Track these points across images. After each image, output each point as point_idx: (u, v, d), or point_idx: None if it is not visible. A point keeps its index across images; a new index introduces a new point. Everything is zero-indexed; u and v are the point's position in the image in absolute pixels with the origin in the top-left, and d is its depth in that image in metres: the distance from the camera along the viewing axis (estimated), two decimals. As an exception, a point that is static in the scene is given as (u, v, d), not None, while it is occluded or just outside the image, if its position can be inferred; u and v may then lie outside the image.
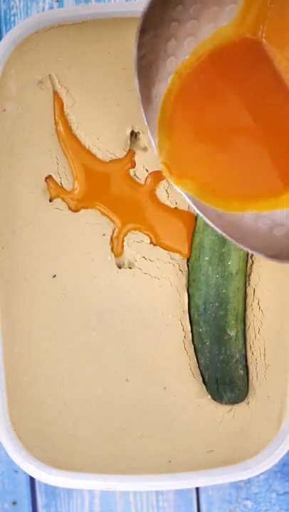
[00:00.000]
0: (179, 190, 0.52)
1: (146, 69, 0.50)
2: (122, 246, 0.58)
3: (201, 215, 0.51)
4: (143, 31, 0.48)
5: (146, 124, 0.51)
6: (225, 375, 0.58)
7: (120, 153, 0.58)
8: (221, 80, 0.53)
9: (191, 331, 0.58)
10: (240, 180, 0.53)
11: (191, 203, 0.51)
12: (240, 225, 0.52)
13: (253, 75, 0.53)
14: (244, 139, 0.53)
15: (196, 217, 0.58)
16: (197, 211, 0.51)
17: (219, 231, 0.50)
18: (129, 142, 0.58)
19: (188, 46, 0.53)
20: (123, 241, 0.58)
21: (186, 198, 0.52)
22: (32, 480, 0.64)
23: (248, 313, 0.58)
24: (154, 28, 0.49)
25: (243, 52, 0.53)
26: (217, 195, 0.52)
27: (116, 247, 0.58)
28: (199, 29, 0.52)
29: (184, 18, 0.51)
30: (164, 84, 0.53)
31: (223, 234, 0.50)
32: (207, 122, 0.53)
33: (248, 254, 0.58)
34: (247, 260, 0.58)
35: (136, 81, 0.50)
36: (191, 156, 0.53)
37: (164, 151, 0.52)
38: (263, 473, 0.64)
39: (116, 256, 0.58)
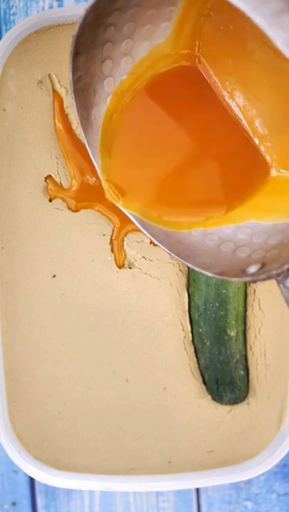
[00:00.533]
0: (124, 210, 0.52)
1: (84, 91, 0.50)
2: (123, 246, 0.58)
3: (148, 235, 0.51)
4: (76, 54, 0.47)
5: (87, 146, 0.51)
6: (225, 376, 0.58)
7: (120, 153, 0.58)
8: (161, 100, 0.52)
9: (191, 331, 0.58)
10: (184, 200, 0.53)
11: (137, 224, 0.52)
12: (188, 242, 0.52)
13: (192, 94, 0.52)
14: (187, 159, 0.52)
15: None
16: (144, 232, 0.51)
17: (167, 251, 0.50)
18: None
19: (126, 66, 0.51)
20: (123, 241, 0.58)
21: (132, 219, 0.52)
22: (32, 480, 0.64)
23: (248, 313, 0.58)
24: (87, 51, 0.48)
25: (182, 71, 0.52)
26: (163, 214, 0.52)
27: (116, 250, 0.58)
28: (135, 48, 0.51)
29: (118, 38, 0.50)
30: (104, 106, 0.52)
31: (171, 254, 0.50)
32: (149, 143, 0.52)
33: None
34: None
35: (73, 104, 0.49)
36: (134, 177, 0.53)
37: (107, 172, 0.52)
38: (263, 474, 0.64)
39: (118, 266, 0.58)
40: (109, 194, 0.52)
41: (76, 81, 0.49)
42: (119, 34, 0.50)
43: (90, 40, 0.48)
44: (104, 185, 0.52)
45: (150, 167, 0.53)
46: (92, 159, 0.51)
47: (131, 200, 0.51)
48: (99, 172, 0.52)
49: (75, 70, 0.48)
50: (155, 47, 0.51)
